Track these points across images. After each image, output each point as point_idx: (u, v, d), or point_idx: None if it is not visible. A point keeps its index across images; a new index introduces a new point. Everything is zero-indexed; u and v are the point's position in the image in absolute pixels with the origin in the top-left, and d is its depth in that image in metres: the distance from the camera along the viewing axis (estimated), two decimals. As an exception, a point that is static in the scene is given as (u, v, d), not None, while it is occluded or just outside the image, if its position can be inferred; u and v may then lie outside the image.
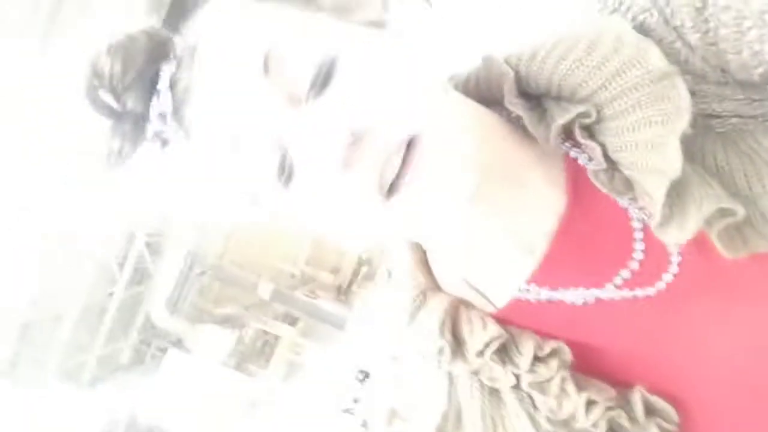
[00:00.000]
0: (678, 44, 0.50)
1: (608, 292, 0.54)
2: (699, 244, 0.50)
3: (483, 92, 0.57)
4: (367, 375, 5.42)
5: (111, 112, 0.50)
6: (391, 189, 0.47)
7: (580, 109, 0.51)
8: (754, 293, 0.52)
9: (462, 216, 0.51)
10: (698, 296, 0.53)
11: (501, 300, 0.59)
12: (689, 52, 0.50)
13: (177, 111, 0.50)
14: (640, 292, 0.54)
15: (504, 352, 0.56)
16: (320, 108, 0.47)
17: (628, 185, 0.51)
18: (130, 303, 5.74)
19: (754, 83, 0.51)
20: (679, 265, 0.53)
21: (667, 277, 0.53)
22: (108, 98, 0.50)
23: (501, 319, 0.58)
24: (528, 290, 0.57)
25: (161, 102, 0.49)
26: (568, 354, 0.55)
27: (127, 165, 0.51)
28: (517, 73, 0.54)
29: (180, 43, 0.51)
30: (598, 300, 0.55)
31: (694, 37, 0.50)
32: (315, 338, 5.91)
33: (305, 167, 0.48)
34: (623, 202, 0.53)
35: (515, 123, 0.56)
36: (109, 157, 0.50)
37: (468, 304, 0.60)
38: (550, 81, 0.52)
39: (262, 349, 5.83)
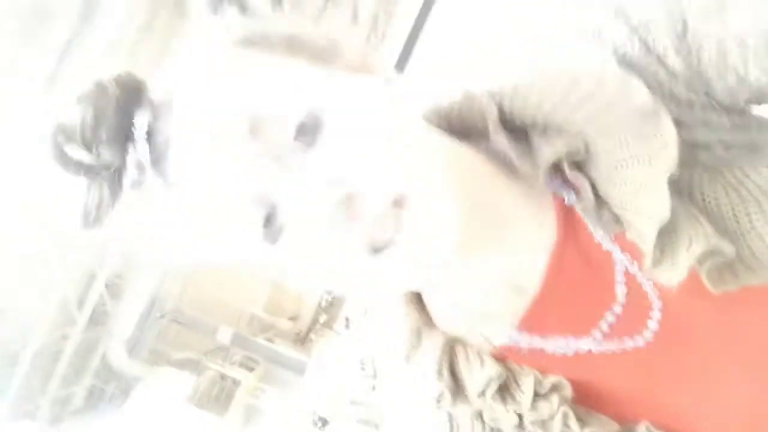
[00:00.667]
0: (661, 73, 0.50)
1: (595, 342, 0.54)
2: (682, 284, 0.50)
3: (466, 124, 0.56)
4: (325, 421, 5.44)
5: (82, 168, 0.47)
6: (379, 247, 0.46)
7: (570, 146, 0.50)
8: (744, 333, 0.52)
9: (448, 268, 0.51)
10: (688, 341, 0.53)
11: (497, 338, 0.57)
12: (673, 79, 0.50)
13: (156, 162, 0.47)
14: (629, 343, 0.53)
15: (505, 390, 0.55)
16: (310, 165, 0.46)
17: (617, 220, 0.51)
18: (86, 344, 5.64)
19: (738, 108, 0.52)
20: (661, 310, 0.53)
21: (653, 325, 0.53)
22: (79, 153, 0.46)
23: (498, 356, 0.56)
24: (519, 337, 0.56)
25: (139, 152, 0.47)
26: (568, 389, 0.54)
27: (106, 220, 0.48)
28: (500, 108, 0.53)
29: (153, 89, 0.49)
30: (588, 351, 0.55)
31: (677, 63, 0.50)
32: (274, 383, 5.91)
33: (295, 224, 0.47)
34: (607, 243, 0.53)
35: (498, 157, 0.55)
36: (86, 216, 0.47)
37: (464, 342, 0.58)
38: (535, 117, 0.52)
39: (220, 394, 5.78)
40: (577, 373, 0.55)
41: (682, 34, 0.49)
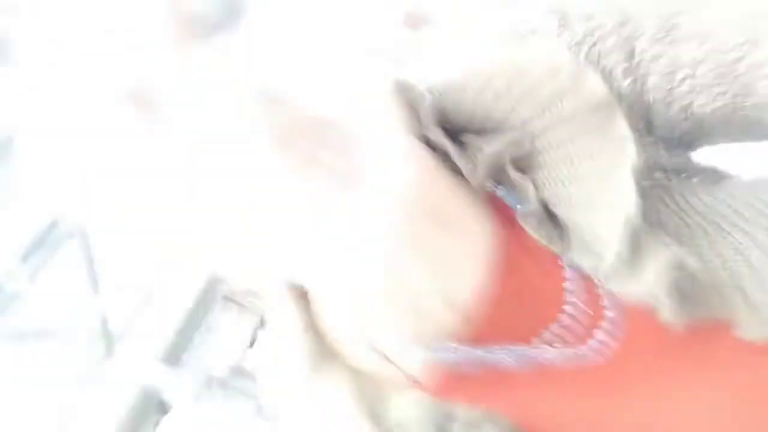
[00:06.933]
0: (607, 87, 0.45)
1: (538, 349, 0.45)
2: (636, 309, 0.44)
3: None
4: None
5: None
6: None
7: (512, 142, 0.45)
8: (707, 365, 0.44)
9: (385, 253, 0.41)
10: (644, 367, 0.45)
11: (420, 368, 0.47)
12: (617, 98, 0.46)
13: None
14: (571, 352, 0.45)
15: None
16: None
17: (561, 232, 0.45)
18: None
19: (672, 140, 0.48)
20: (613, 322, 0.45)
21: (600, 335, 0.45)
22: None
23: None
24: (455, 350, 0.46)
25: None
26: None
27: None
28: (431, 105, 0.46)
29: None
30: (533, 360, 0.46)
31: (623, 84, 0.47)
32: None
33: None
34: (555, 248, 0.46)
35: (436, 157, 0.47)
36: None
37: (376, 380, 0.48)
38: (473, 112, 0.47)
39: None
40: (519, 398, 0.47)
41: (630, 55, 0.47)
